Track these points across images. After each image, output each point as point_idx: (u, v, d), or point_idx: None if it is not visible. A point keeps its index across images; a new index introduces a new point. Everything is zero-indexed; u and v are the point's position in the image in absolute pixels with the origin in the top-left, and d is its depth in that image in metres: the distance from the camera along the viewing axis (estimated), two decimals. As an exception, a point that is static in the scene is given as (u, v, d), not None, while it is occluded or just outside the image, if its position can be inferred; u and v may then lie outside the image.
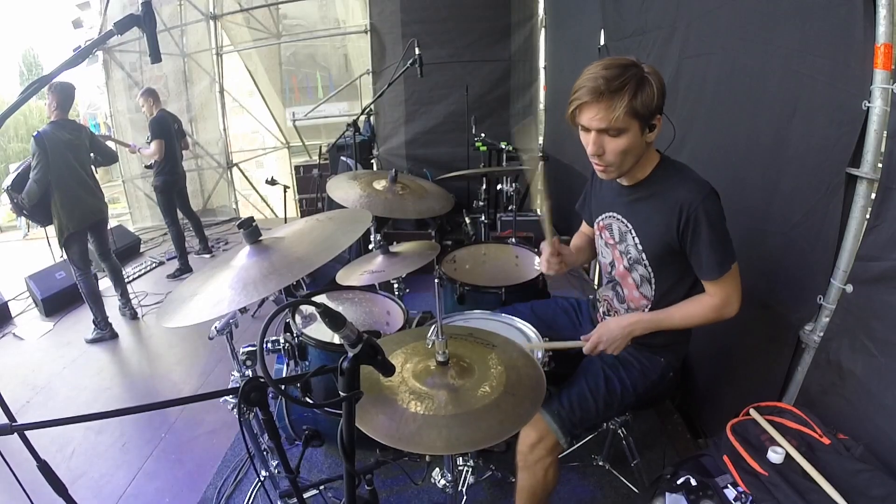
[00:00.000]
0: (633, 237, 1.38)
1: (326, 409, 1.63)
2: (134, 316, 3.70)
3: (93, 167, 3.44)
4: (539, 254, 1.59)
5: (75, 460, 2.29)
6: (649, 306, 1.43)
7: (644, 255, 1.37)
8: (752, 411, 1.29)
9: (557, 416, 1.36)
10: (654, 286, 1.40)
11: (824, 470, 1.07)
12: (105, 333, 3.43)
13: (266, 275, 1.03)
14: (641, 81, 1.17)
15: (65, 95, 3.17)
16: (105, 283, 3.76)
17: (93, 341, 3.41)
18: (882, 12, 1.14)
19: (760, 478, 1.11)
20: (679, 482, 1.17)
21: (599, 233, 1.52)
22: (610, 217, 1.45)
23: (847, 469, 1.07)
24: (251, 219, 1.16)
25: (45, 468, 0.87)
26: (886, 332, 1.16)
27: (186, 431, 2.43)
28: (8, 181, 3.16)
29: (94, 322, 3.43)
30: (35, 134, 3.07)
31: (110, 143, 4.03)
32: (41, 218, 3.26)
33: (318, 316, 0.86)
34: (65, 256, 3.38)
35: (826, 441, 1.15)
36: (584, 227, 1.71)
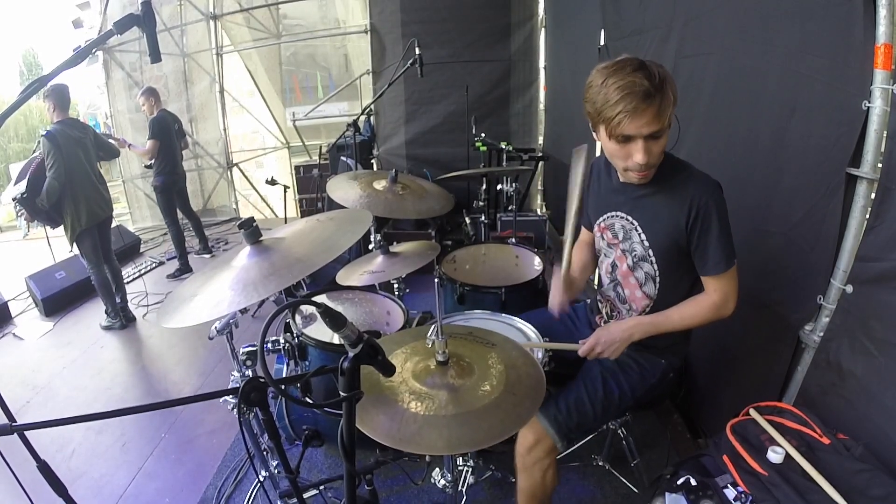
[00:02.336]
0: (639, 234, 1.37)
1: (326, 409, 1.63)
2: (130, 320, 3.68)
3: (98, 164, 3.49)
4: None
5: (75, 460, 2.29)
6: (651, 305, 1.42)
7: (650, 252, 1.36)
8: (751, 411, 1.29)
9: (554, 420, 1.36)
10: (658, 284, 1.39)
11: (824, 470, 1.07)
12: (116, 322, 3.58)
13: (266, 275, 1.03)
14: (664, 71, 1.15)
15: (60, 96, 3.21)
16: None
17: (106, 328, 3.59)
18: (882, 12, 1.14)
19: (760, 478, 1.10)
20: (679, 482, 1.17)
21: (601, 234, 1.50)
22: (613, 216, 1.44)
23: (847, 469, 1.07)
24: (252, 219, 1.15)
25: (45, 468, 0.87)
26: (886, 332, 1.16)
27: (186, 431, 2.43)
28: (20, 188, 3.11)
29: (105, 312, 3.58)
30: (45, 132, 3.09)
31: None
32: (56, 217, 3.26)
33: (318, 316, 0.86)
34: (76, 252, 3.42)
35: (826, 441, 1.15)
36: (584, 234, 1.65)
